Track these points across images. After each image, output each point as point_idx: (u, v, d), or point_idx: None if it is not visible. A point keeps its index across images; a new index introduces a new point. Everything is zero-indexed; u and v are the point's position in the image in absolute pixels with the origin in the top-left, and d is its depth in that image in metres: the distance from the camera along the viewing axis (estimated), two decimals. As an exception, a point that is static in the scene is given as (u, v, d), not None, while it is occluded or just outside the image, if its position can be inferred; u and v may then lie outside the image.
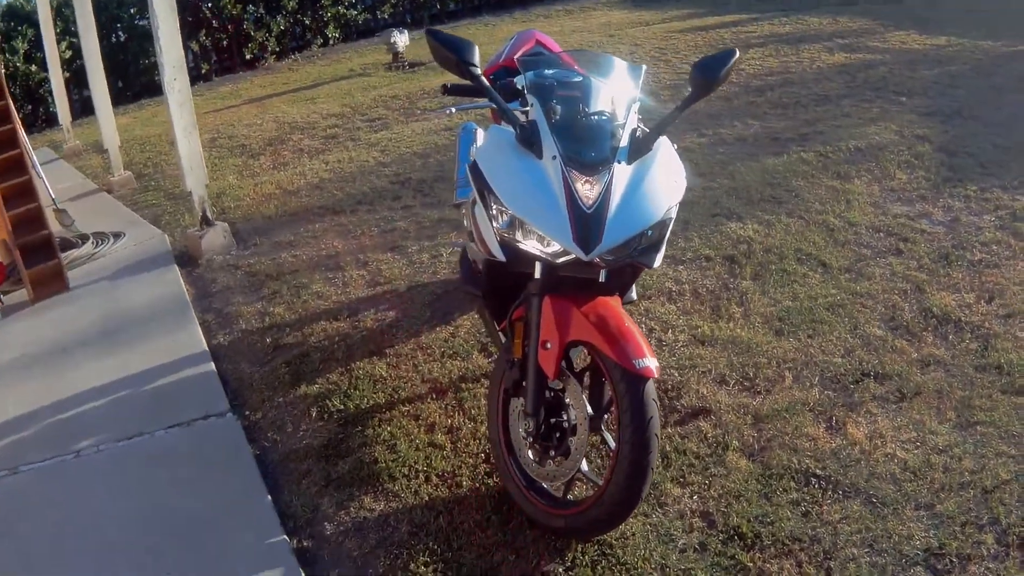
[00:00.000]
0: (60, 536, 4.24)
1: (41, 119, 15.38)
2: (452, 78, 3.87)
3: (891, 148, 8.27)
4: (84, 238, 8.07)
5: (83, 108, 13.30)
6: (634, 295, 4.24)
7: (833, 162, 8.03)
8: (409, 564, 3.86)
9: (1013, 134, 8.45)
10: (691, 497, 4.10)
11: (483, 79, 3.83)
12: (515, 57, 5.19)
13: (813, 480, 4.17)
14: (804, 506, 4.02)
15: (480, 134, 5.63)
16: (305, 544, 4.08)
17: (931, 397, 4.74)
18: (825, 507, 4.01)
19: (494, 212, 3.68)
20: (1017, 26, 12.83)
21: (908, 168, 7.79)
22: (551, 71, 4.22)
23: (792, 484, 4.15)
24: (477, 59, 3.83)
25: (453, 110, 4.17)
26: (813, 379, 4.95)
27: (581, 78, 4.08)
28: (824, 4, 15.51)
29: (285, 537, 4.06)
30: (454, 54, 3.80)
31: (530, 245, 3.60)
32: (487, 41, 15.13)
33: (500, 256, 3.71)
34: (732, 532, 3.89)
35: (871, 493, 4.07)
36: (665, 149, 3.83)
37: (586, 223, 3.46)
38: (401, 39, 13.97)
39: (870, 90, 10.15)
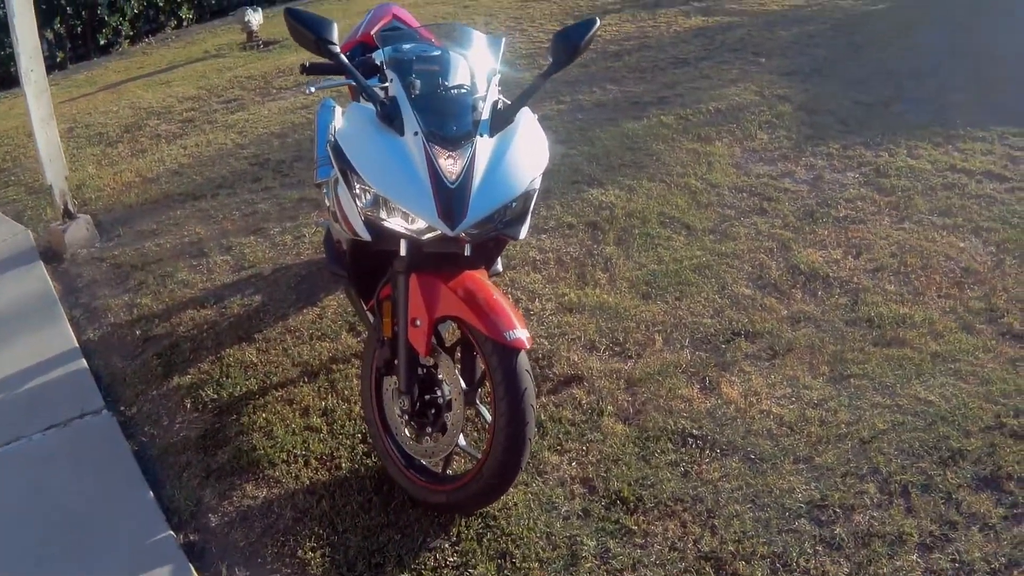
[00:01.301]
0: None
1: None
2: (310, 56, 3.81)
3: (751, 109, 8.35)
4: (-59, 236, 7.84)
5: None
6: (499, 267, 4.25)
7: (693, 124, 8.08)
8: (296, 550, 3.84)
9: (873, 91, 8.60)
10: (570, 464, 4.15)
11: (342, 57, 3.79)
12: (372, 32, 5.17)
13: (690, 440, 4.26)
14: (683, 467, 4.10)
15: (339, 111, 5.57)
16: (192, 538, 4.02)
17: (803, 353, 4.86)
18: (704, 466, 4.08)
19: (357, 191, 3.65)
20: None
21: (769, 128, 7.90)
22: (409, 46, 4.19)
23: (669, 445, 4.22)
24: (336, 37, 3.79)
25: (312, 89, 4.11)
26: (684, 341, 5.03)
27: (440, 52, 4.06)
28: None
29: (171, 532, 3.99)
30: (312, 32, 3.75)
31: (395, 223, 3.56)
32: (342, 16, 14.89)
33: (365, 236, 3.68)
34: (614, 496, 3.94)
35: (749, 450, 4.17)
36: (527, 120, 3.83)
37: (450, 198, 3.44)
38: (255, 17, 13.74)
39: (728, 52, 10.22)
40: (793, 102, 8.46)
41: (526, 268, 5.86)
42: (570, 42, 3.80)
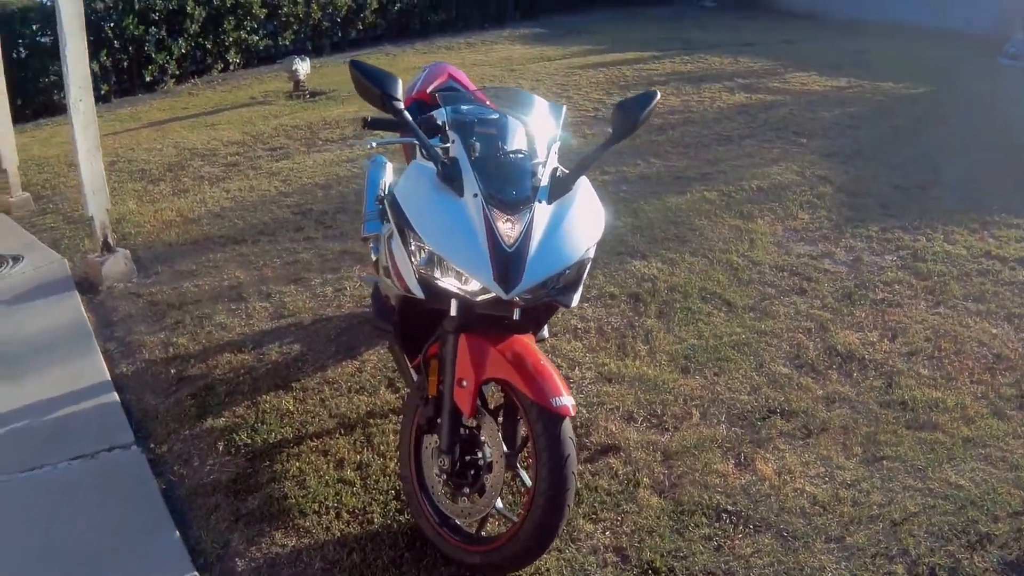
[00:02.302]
0: (-47, 572, 4.11)
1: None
2: (369, 109, 3.84)
3: (793, 188, 8.39)
4: (-19, 260, 7.88)
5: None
6: (546, 333, 4.26)
7: (736, 201, 8.12)
8: (323, 602, 3.81)
9: (912, 175, 8.63)
10: (604, 533, 4.12)
11: (406, 115, 3.81)
12: (427, 90, 5.19)
13: (724, 515, 4.23)
14: (716, 540, 4.08)
15: (389, 168, 5.60)
16: (216, 581, 4.00)
17: (837, 433, 4.83)
18: (737, 541, 4.06)
19: (412, 248, 3.66)
20: (914, 69, 13.12)
21: (810, 208, 7.92)
22: (467, 107, 4.21)
23: (703, 519, 4.20)
24: (401, 93, 3.81)
25: (374, 144, 4.13)
26: (720, 416, 5.01)
27: (498, 115, 4.07)
28: (725, 44, 15.72)
29: (196, 574, 3.96)
30: (377, 87, 3.78)
31: (448, 283, 3.58)
32: (389, 71, 15.04)
33: (419, 293, 3.69)
34: (646, 567, 3.92)
35: (782, 527, 4.14)
36: (585, 189, 3.85)
37: (507, 262, 3.46)
38: (303, 67, 13.85)
39: (771, 131, 10.30)
40: (834, 183, 8.49)
41: (567, 336, 5.86)
42: (631, 115, 3.82)
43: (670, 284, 6.53)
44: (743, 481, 4.46)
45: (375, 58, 16.64)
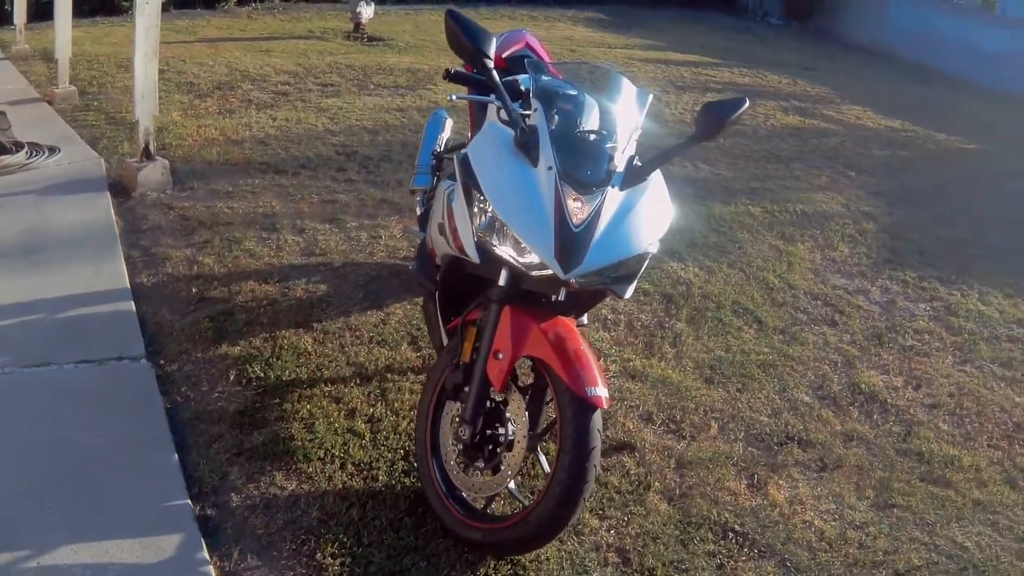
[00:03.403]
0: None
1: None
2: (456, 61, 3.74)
3: (836, 219, 8.29)
4: (19, 146, 7.75)
5: (36, 13, 12.88)
6: (585, 320, 4.16)
7: (779, 221, 8.03)
8: (316, 553, 3.73)
9: (955, 229, 8.52)
10: (608, 531, 4.05)
11: (495, 74, 3.72)
12: (503, 55, 5.09)
13: (731, 534, 4.16)
14: (720, 559, 4.01)
15: (448, 124, 5.52)
16: (209, 512, 3.91)
17: (851, 472, 4.77)
18: (740, 563, 3.99)
19: (476, 210, 3.57)
20: (970, 125, 12.99)
21: (851, 242, 7.82)
22: (548, 78, 4.11)
23: (710, 535, 4.13)
24: (493, 52, 3.72)
25: (454, 98, 4.04)
26: (739, 433, 4.94)
27: (577, 92, 3.96)
28: (786, 64, 15.59)
29: (188, 501, 3.89)
30: (472, 42, 3.68)
31: (505, 251, 3.50)
32: (438, 32, 14.96)
33: (474, 256, 3.60)
34: (647, 573, 3.85)
35: (786, 557, 4.07)
36: (658, 183, 3.77)
37: (570, 241, 3.37)
38: (367, 10, 13.77)
39: (821, 158, 10.19)
40: (878, 222, 8.39)
41: (596, 325, 5.78)
42: (718, 118, 3.74)
43: (704, 291, 6.46)
44: (753, 503, 4.39)
45: (438, 15, 16.59)
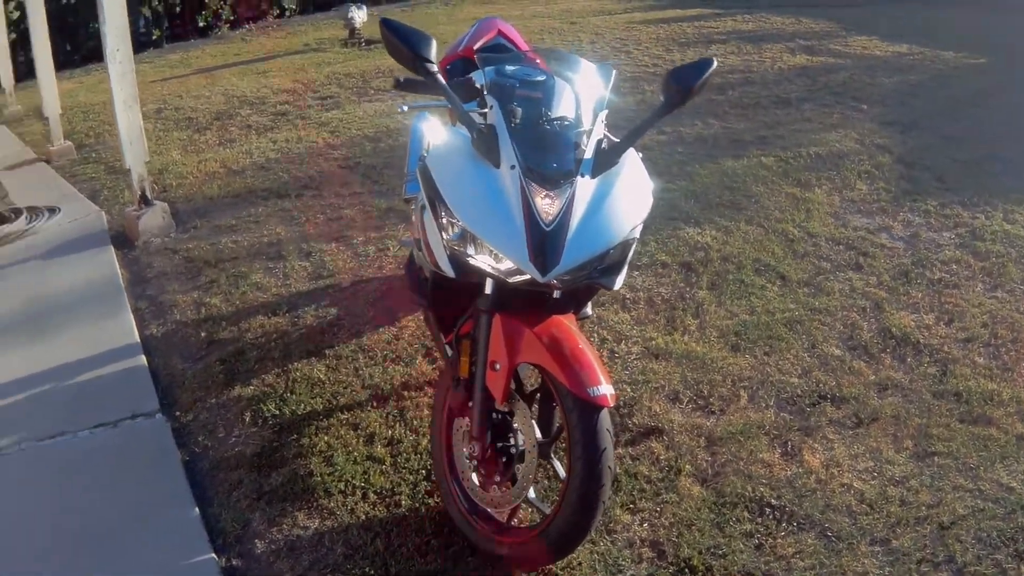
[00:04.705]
0: (-35, 539, 3.97)
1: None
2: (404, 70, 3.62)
3: (851, 157, 8.13)
4: (17, 212, 7.74)
5: (28, 70, 12.88)
6: (589, 311, 4.01)
7: (793, 168, 7.87)
8: (343, 590, 3.65)
9: (971, 149, 8.34)
10: (641, 525, 3.94)
11: (439, 77, 3.56)
12: (474, 47, 4.96)
13: (767, 510, 4.03)
14: (758, 538, 3.89)
15: (433, 126, 5.40)
16: (234, 563, 3.84)
17: (888, 424, 4.62)
18: (779, 540, 3.87)
19: (444, 223, 3.44)
20: (976, 39, 12.75)
21: (868, 179, 7.66)
22: (512, 68, 3.91)
23: (746, 514, 4.01)
24: (434, 55, 3.55)
25: (406, 108, 3.92)
26: (769, 400, 4.81)
27: (545, 77, 3.79)
28: (786, 4, 15.35)
29: (213, 555, 3.82)
30: (408, 48, 3.52)
31: (481, 261, 3.35)
32: (448, 22, 14.92)
33: (449, 271, 3.46)
34: (683, 564, 3.74)
35: (826, 526, 3.94)
36: (632, 163, 3.58)
37: (544, 242, 3.22)
38: (359, 15, 13.75)
39: (831, 95, 10.02)
40: (893, 153, 8.22)
41: (615, 307, 5.67)
42: (683, 84, 3.57)
43: (723, 254, 6.32)
44: (789, 473, 4.26)
45: (434, 8, 16.49)
